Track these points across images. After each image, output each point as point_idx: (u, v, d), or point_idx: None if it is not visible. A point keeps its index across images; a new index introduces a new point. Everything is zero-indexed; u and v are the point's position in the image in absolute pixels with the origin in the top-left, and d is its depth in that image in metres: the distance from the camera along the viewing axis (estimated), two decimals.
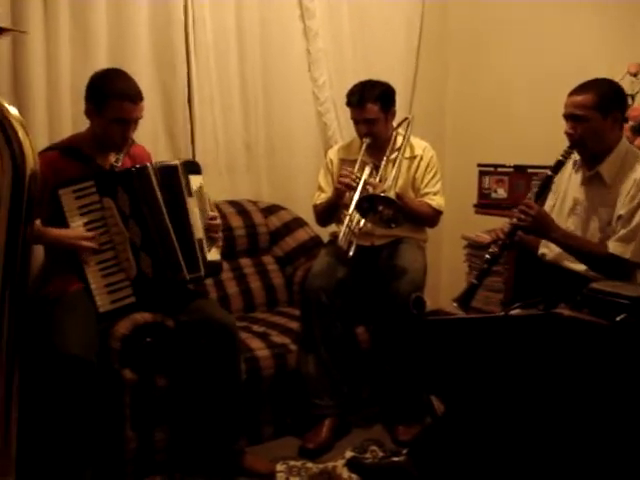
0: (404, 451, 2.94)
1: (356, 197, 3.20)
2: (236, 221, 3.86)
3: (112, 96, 2.78)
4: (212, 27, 3.93)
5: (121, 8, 3.62)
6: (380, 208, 3.18)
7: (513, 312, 2.03)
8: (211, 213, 3.00)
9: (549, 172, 2.86)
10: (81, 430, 2.64)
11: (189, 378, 2.92)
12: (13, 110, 1.28)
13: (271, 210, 4.06)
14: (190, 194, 2.88)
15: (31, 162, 1.29)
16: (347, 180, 3.27)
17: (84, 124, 3.03)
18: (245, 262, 3.86)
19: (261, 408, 3.24)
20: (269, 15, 4.15)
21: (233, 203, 3.96)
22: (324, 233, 3.91)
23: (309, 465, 3.08)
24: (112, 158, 2.90)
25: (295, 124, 4.31)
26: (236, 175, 4.12)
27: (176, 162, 2.91)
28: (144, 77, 3.52)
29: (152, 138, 3.64)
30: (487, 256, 2.87)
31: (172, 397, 2.93)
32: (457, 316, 2.71)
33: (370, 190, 3.21)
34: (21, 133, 1.28)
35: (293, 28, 4.26)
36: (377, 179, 3.30)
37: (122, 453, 2.85)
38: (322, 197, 3.58)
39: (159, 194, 2.79)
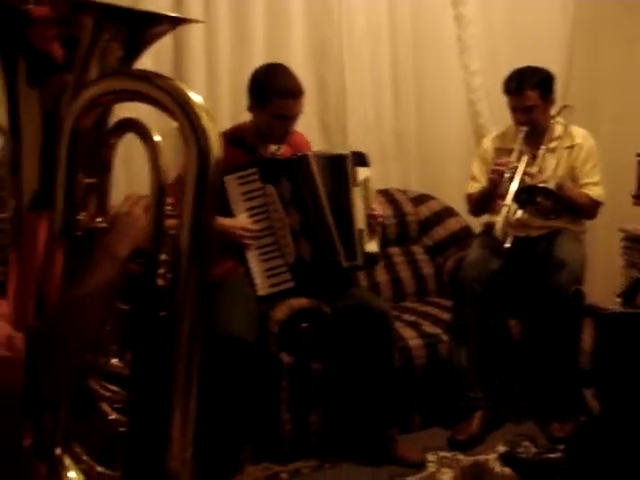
0: (560, 448, 2.86)
1: (514, 187, 3.13)
2: (386, 210, 3.86)
3: (275, 93, 2.84)
4: (365, 16, 3.94)
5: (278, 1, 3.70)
6: (539, 199, 3.10)
7: None
8: (374, 205, 3.02)
9: None
10: (240, 410, 2.73)
11: (344, 363, 2.96)
12: (197, 97, 1.30)
13: (421, 199, 4.04)
14: (355, 184, 2.92)
15: (216, 150, 1.31)
16: (503, 170, 3.21)
17: (242, 116, 3.12)
18: (394, 251, 3.86)
19: (412, 397, 3.24)
20: (421, 2, 4.12)
21: (383, 192, 3.95)
22: (475, 223, 3.85)
23: (460, 457, 3.05)
24: (273, 147, 2.97)
25: (446, 112, 4.25)
26: (386, 164, 4.11)
27: (346, 152, 2.96)
28: (299, 68, 3.55)
29: (305, 128, 3.69)
30: None
31: (327, 381, 2.98)
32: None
33: (528, 180, 3.13)
34: (205, 120, 1.29)
35: (445, 15, 4.20)
36: (536, 169, 3.22)
37: (278, 434, 2.92)
38: (476, 186, 3.52)
39: (319, 182, 2.85)
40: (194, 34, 3.41)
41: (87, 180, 1.45)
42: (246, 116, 3.07)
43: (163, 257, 1.39)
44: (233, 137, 2.98)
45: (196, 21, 1.40)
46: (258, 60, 3.57)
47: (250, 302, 2.80)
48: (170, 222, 1.40)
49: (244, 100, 3.05)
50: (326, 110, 3.87)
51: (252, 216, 2.86)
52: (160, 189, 1.38)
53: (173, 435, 1.40)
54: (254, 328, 2.73)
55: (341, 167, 2.91)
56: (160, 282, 1.37)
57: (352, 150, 3.11)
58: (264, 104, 2.88)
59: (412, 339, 3.20)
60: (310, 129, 3.77)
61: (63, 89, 1.41)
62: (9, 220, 1.54)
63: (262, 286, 2.85)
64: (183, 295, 1.32)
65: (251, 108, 2.96)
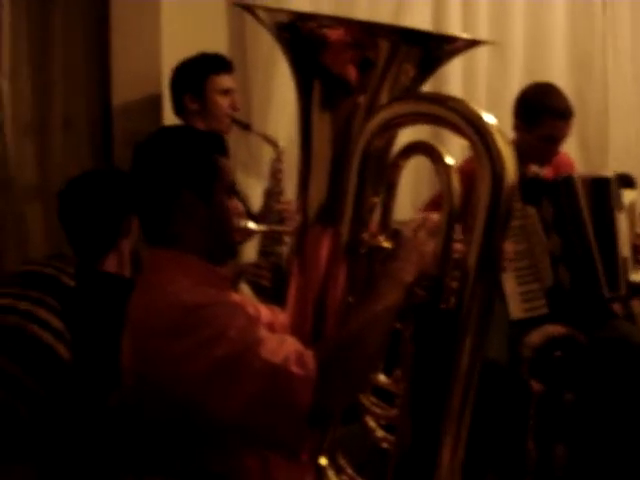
0: None
1: None
2: None
3: (547, 114, 2.76)
4: (630, 31, 3.77)
5: (539, 14, 3.62)
6: None
7: None
8: None
9: None
10: (485, 435, 2.67)
11: (597, 397, 2.81)
12: (491, 119, 1.29)
13: None
14: (620, 209, 2.77)
15: (510, 173, 1.28)
16: None
17: None
18: None
19: None
20: None
21: None
22: None
23: None
24: (535, 167, 2.89)
25: None
26: None
27: (609, 175, 2.82)
28: (558, 85, 3.46)
29: (563, 147, 3.58)
30: None
31: (577, 414, 2.84)
32: None
33: None
34: (500, 142, 1.27)
35: None
36: None
37: (522, 464, 2.83)
38: None
39: (585, 207, 2.74)
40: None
41: (373, 199, 1.48)
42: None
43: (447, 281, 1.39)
44: None
45: (490, 42, 1.38)
46: (517, 77, 3.53)
47: (502, 324, 2.73)
48: (455, 246, 1.39)
49: (501, 117, 2.97)
50: (586, 129, 3.71)
51: (510, 237, 2.79)
52: (451, 213, 1.37)
53: (442, 459, 1.39)
54: (505, 351, 2.67)
55: (606, 190, 2.77)
56: (443, 306, 1.37)
57: (616, 172, 2.96)
58: (533, 124, 2.80)
59: None
60: (568, 148, 3.63)
61: (355, 110, 1.45)
62: (294, 232, 1.61)
63: (516, 309, 2.77)
64: (466, 320, 1.31)
65: (517, 127, 2.89)
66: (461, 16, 3.51)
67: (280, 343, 1.35)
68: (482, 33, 3.49)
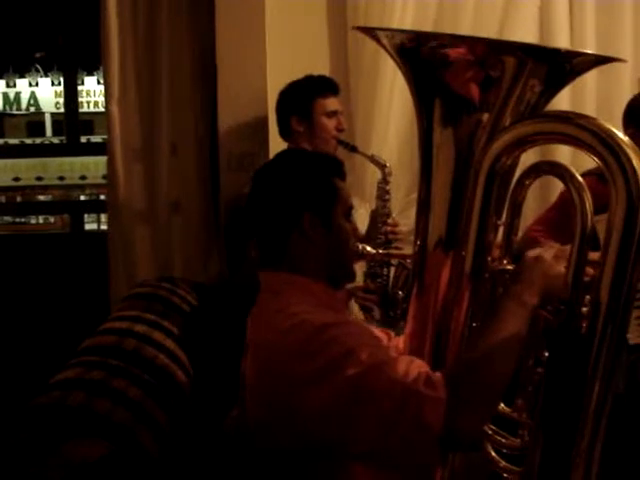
0: None
1: None
2: None
3: None
4: None
5: None
6: None
7: None
8: None
9: None
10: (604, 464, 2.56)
11: None
12: (625, 137, 1.25)
13: None
14: None
15: None
16: None
17: None
18: None
19: None
20: None
21: None
22: None
23: None
24: None
25: None
26: None
27: None
28: None
29: None
30: None
31: None
32: None
33: None
34: (635, 160, 1.23)
35: None
36: None
37: None
38: None
39: None
40: None
41: (496, 221, 1.44)
42: None
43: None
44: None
45: (622, 60, 1.33)
46: (626, 87, 3.39)
47: None
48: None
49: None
50: None
51: None
52: (583, 234, 1.31)
53: None
54: (623, 377, 2.55)
55: None
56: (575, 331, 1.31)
57: None
58: None
59: None
60: None
61: (478, 129, 1.41)
62: (413, 256, 1.58)
63: (634, 334, 2.66)
64: (598, 346, 1.25)
65: (629, 137, 2.77)
66: (568, 29, 3.41)
67: (408, 364, 1.32)
68: (590, 46, 3.39)
